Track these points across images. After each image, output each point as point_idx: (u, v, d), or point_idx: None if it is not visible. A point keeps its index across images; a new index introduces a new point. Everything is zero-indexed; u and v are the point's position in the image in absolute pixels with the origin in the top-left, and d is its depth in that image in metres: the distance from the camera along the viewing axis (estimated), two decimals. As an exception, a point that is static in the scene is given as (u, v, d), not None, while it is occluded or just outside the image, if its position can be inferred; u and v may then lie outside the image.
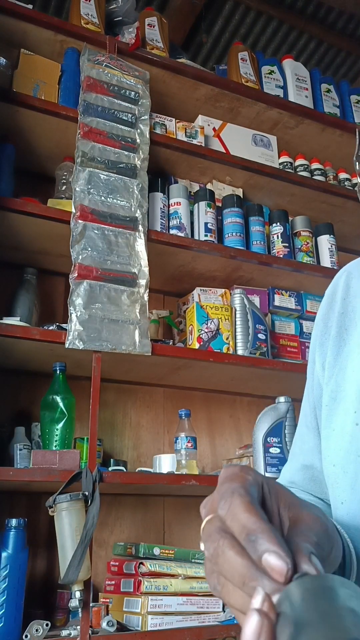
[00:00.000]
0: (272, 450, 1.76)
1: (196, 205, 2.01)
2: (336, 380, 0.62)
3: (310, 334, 2.15)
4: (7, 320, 1.58)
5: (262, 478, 0.39)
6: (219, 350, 1.86)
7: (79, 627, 1.38)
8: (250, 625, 0.29)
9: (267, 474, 1.71)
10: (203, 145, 2.11)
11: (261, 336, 1.94)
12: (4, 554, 1.36)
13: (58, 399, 1.58)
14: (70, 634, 1.39)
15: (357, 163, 0.77)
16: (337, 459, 0.58)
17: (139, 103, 1.95)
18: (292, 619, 0.28)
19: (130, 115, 1.91)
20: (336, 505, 0.58)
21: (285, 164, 2.32)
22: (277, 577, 0.32)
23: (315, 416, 0.68)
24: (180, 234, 1.92)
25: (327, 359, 0.64)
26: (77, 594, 1.34)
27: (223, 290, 2.01)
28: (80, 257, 1.66)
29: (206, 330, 1.87)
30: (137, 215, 1.80)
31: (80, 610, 1.38)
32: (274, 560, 0.32)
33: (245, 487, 0.36)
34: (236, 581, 0.33)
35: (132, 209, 1.80)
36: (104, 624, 1.44)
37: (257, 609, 0.30)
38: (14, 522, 1.39)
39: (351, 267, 0.70)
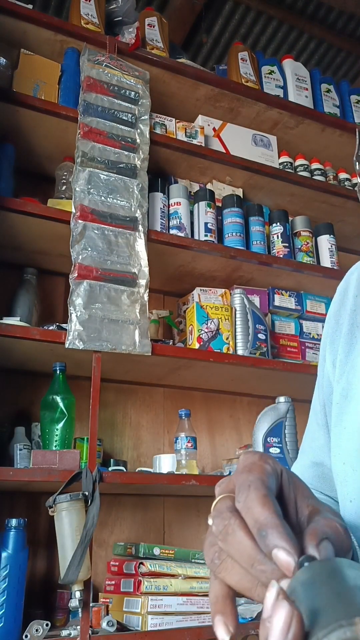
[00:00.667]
0: (272, 450, 1.76)
1: (196, 205, 2.01)
2: (347, 379, 0.61)
3: (310, 334, 2.15)
4: (7, 320, 1.58)
5: (280, 467, 0.39)
6: (219, 350, 1.86)
7: (79, 627, 1.38)
8: (279, 617, 0.30)
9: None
10: (203, 145, 2.11)
11: (261, 336, 1.94)
12: (4, 554, 1.36)
13: (58, 399, 1.58)
14: (70, 634, 1.39)
15: (357, 163, 0.76)
16: (347, 457, 0.58)
17: (139, 103, 1.95)
18: (306, 605, 0.29)
19: (130, 115, 1.91)
20: (344, 504, 0.58)
21: (285, 164, 2.32)
22: (285, 572, 0.33)
23: (325, 413, 0.67)
24: (180, 234, 1.92)
25: (339, 356, 0.64)
26: (77, 594, 1.34)
27: (223, 290, 2.01)
28: (80, 257, 1.66)
29: (206, 330, 1.87)
30: (137, 215, 1.80)
31: (80, 610, 1.38)
32: (282, 556, 0.33)
33: (263, 478, 0.37)
34: (244, 562, 0.35)
35: (132, 209, 1.80)
36: (104, 624, 1.44)
37: (286, 600, 0.30)
38: (14, 522, 1.39)
39: None
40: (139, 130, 1.91)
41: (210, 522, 0.39)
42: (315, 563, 0.32)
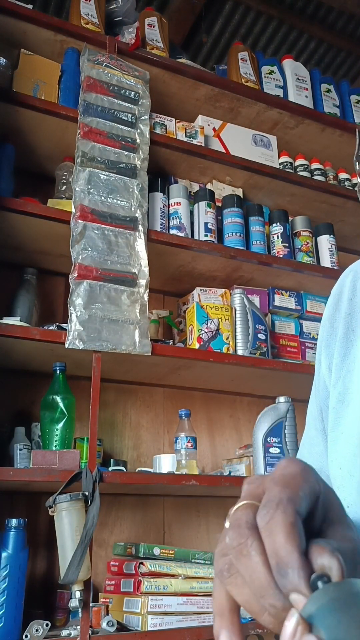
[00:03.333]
0: (272, 450, 1.76)
1: (196, 205, 2.01)
2: (344, 383, 0.61)
3: (310, 334, 2.15)
4: (7, 320, 1.58)
5: (321, 487, 0.36)
6: (219, 350, 1.86)
7: (79, 627, 1.38)
8: None
9: (266, 474, 1.71)
10: (203, 145, 2.11)
11: (261, 336, 1.94)
12: (4, 554, 1.36)
13: (58, 399, 1.58)
14: (70, 634, 1.39)
15: (357, 163, 0.76)
16: (343, 462, 0.58)
17: (139, 103, 1.95)
18: (327, 636, 0.28)
19: (130, 115, 1.91)
20: None
21: (285, 164, 2.32)
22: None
23: (322, 418, 0.67)
24: (180, 234, 1.92)
25: (334, 360, 0.63)
26: (77, 594, 1.34)
27: (223, 290, 2.01)
28: (80, 257, 1.66)
29: (206, 330, 1.87)
30: (137, 215, 1.80)
31: (80, 610, 1.38)
32: (302, 602, 0.31)
33: (296, 499, 0.34)
34: (255, 589, 0.33)
35: (132, 209, 1.80)
36: (104, 624, 1.44)
37: (309, 634, 0.29)
38: (14, 522, 1.39)
39: (358, 267, 0.68)
40: (139, 130, 1.91)
41: (227, 524, 0.36)
42: (330, 585, 0.30)
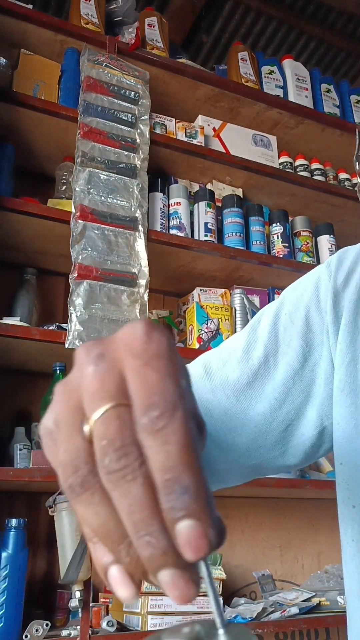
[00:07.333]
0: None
1: (196, 205, 2.01)
2: (346, 371, 0.58)
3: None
4: (7, 320, 1.58)
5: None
6: (219, 350, 1.85)
7: (79, 627, 1.38)
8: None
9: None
10: (203, 145, 2.11)
11: (261, 336, 1.94)
12: (4, 554, 1.36)
13: (58, 399, 1.58)
14: (70, 634, 1.39)
15: (357, 163, 0.76)
16: (348, 459, 0.56)
17: (139, 103, 1.95)
18: None
19: (130, 115, 1.91)
20: (347, 508, 0.56)
21: (285, 164, 2.32)
22: (191, 553, 0.25)
23: (261, 364, 0.61)
24: (180, 234, 1.92)
25: (338, 345, 0.59)
26: (77, 594, 1.34)
27: (223, 290, 2.01)
28: (80, 257, 1.66)
29: (206, 330, 1.87)
30: (137, 215, 1.80)
31: (80, 610, 1.38)
32: (195, 536, 0.25)
33: (192, 401, 0.27)
34: (128, 520, 0.26)
35: (132, 209, 1.80)
36: (104, 624, 1.44)
37: None
38: (14, 522, 1.39)
39: None
40: (139, 130, 1.91)
41: (86, 429, 0.27)
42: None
